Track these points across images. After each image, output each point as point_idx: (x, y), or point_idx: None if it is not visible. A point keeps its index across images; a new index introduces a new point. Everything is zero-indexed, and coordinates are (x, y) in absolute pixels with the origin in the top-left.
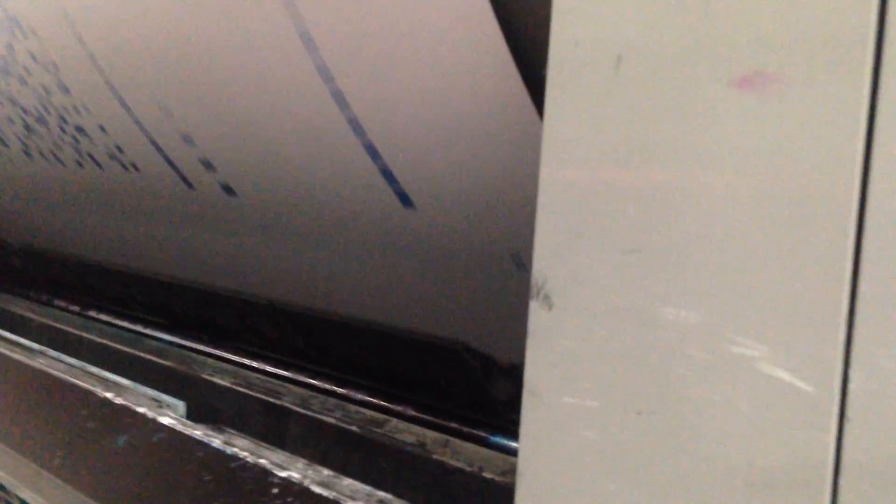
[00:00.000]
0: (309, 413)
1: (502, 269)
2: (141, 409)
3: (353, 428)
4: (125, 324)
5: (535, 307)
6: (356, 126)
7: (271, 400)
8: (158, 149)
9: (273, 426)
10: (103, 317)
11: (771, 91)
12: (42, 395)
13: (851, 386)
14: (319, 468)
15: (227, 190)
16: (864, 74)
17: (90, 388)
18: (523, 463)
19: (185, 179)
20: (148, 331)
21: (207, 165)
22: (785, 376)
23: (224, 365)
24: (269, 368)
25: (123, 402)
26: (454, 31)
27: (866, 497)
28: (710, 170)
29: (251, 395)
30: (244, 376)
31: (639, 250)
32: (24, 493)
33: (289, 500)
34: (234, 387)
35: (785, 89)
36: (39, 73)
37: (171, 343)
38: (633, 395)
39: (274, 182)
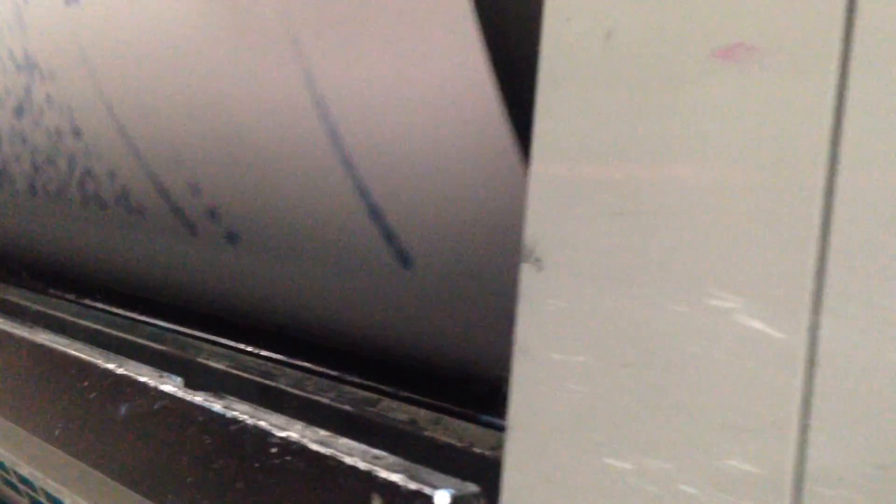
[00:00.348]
0: (303, 394)
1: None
2: (142, 379)
3: (347, 407)
4: (120, 310)
5: (526, 269)
6: (363, 189)
7: (266, 382)
8: (166, 196)
9: (269, 406)
10: (98, 304)
11: (750, 60)
12: (43, 369)
13: (820, 333)
14: (317, 429)
15: (231, 238)
16: (833, 40)
17: (91, 359)
18: (513, 418)
19: (189, 226)
20: (143, 317)
21: (213, 215)
22: (759, 325)
23: (220, 349)
24: (263, 353)
25: (124, 372)
26: (455, 108)
27: (833, 434)
28: (693, 135)
29: (246, 378)
30: (239, 360)
31: (626, 212)
32: (24, 470)
33: (287, 458)
34: (229, 370)
35: (763, 59)
36: (54, 116)
37: (166, 329)
38: (619, 350)
39: (278, 236)
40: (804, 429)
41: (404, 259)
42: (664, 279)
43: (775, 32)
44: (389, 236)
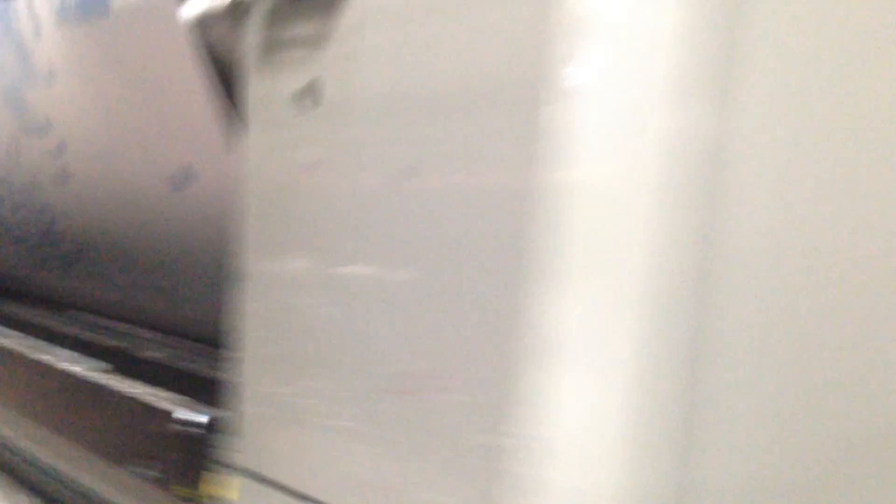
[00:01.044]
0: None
1: None
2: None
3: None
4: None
5: (241, 285)
6: None
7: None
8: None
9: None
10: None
11: (318, 169)
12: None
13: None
14: (189, 398)
15: None
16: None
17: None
18: (244, 370)
19: None
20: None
21: None
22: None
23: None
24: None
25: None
26: None
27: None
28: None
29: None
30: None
31: (285, 246)
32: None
33: (122, 405)
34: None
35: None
36: None
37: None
38: (283, 327)
39: None
40: None
41: None
42: (302, 284)
43: (335, 148)
44: None
